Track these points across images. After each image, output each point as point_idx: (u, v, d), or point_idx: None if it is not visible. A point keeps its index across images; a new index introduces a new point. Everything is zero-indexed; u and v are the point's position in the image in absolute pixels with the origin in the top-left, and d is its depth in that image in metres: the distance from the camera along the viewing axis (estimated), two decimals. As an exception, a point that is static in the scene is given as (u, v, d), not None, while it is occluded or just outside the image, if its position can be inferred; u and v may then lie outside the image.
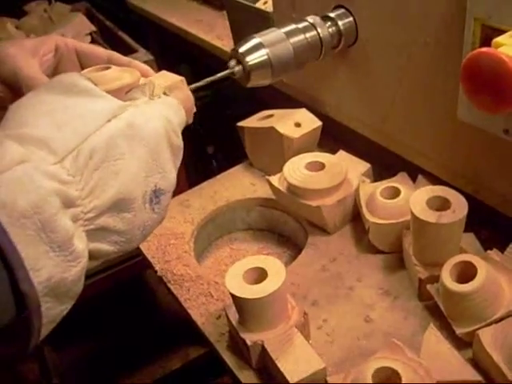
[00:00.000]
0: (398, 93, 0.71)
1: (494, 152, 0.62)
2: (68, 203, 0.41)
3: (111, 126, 0.45)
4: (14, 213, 0.37)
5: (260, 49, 0.66)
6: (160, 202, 0.48)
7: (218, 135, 1.60)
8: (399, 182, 0.74)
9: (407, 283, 0.69)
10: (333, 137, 0.89)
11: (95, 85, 0.48)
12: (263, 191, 0.86)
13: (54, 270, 0.39)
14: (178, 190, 0.92)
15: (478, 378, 0.53)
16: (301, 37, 0.69)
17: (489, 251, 0.63)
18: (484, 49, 0.47)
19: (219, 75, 0.66)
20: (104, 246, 0.45)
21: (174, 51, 1.40)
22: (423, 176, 0.74)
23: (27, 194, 0.38)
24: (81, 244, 0.42)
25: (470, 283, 0.57)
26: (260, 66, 0.66)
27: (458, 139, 0.65)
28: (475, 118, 0.59)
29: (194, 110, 0.56)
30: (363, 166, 0.80)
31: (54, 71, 0.58)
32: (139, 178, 0.46)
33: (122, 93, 0.51)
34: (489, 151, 0.63)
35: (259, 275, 0.60)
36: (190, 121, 0.55)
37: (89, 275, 1.32)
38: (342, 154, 0.82)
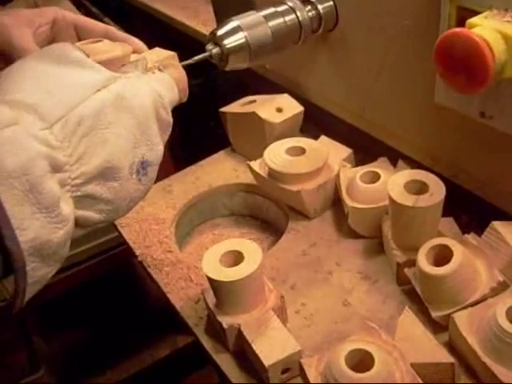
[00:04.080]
0: (377, 77, 0.71)
1: (471, 135, 0.62)
2: (56, 168, 0.41)
3: (100, 96, 0.45)
4: (2, 172, 0.38)
5: (238, 32, 0.66)
6: (147, 174, 0.49)
7: (206, 123, 1.59)
8: (379, 166, 0.74)
9: (386, 267, 0.69)
10: (316, 123, 0.89)
11: (87, 55, 0.48)
12: (246, 177, 0.85)
13: (40, 231, 0.40)
14: (164, 175, 0.92)
15: (450, 359, 0.53)
16: (280, 20, 0.68)
17: (466, 235, 0.63)
18: (457, 29, 0.47)
19: (196, 58, 0.65)
20: (91, 214, 0.46)
21: (164, 40, 1.39)
22: (403, 161, 0.73)
23: (16, 155, 0.38)
24: (67, 208, 0.42)
25: (446, 266, 0.57)
26: (238, 49, 0.66)
27: (436, 123, 0.65)
28: (452, 101, 0.59)
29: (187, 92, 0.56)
30: (345, 151, 0.80)
31: (51, 43, 0.58)
32: (127, 148, 0.46)
33: (113, 65, 0.51)
34: (466, 135, 0.62)
35: (236, 258, 0.60)
36: (184, 99, 0.56)
37: (76, 263, 1.31)
38: (323, 139, 0.82)
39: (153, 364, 1.59)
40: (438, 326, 0.60)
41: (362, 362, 0.53)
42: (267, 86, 0.96)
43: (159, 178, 0.92)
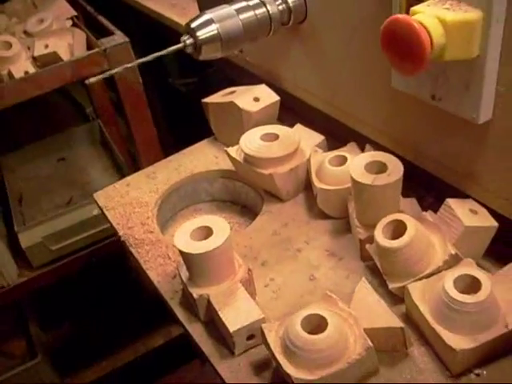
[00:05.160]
0: (344, 66, 0.75)
1: (427, 119, 0.66)
2: None
3: None
4: None
5: (210, 24, 0.71)
6: None
7: (200, 118, 1.63)
8: (348, 151, 0.78)
9: (352, 245, 0.72)
10: (293, 112, 0.93)
11: None
12: (225, 164, 0.89)
13: None
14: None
15: (400, 324, 0.57)
16: (250, 13, 0.73)
17: (424, 212, 0.67)
18: (398, 15, 0.51)
19: (172, 48, 0.70)
20: None
21: (155, 36, 1.43)
22: (371, 145, 0.77)
23: None
24: None
25: (399, 239, 0.61)
26: (210, 40, 0.70)
27: (395, 108, 0.69)
28: (406, 85, 0.63)
29: None
30: (317, 137, 0.84)
31: None
32: None
33: None
34: (422, 118, 0.66)
35: (206, 233, 0.64)
36: None
37: (72, 252, 1.34)
38: (298, 127, 0.86)
39: (147, 353, 1.64)
40: (397, 299, 0.64)
41: (318, 326, 0.57)
42: (257, 83, 1.00)
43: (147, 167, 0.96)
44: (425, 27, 0.50)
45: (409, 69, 0.52)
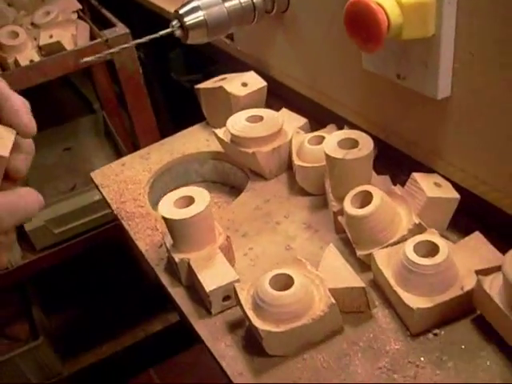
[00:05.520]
0: (323, 52, 0.80)
1: (394, 97, 0.70)
2: None
3: None
4: None
5: (197, 11, 0.76)
6: None
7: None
8: (327, 132, 0.82)
9: (328, 219, 0.77)
10: (281, 98, 0.98)
11: None
12: (216, 146, 0.94)
13: None
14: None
15: (362, 284, 0.62)
16: (235, 1, 0.78)
17: (392, 186, 0.72)
18: (359, -3, 0.56)
19: (161, 33, 0.75)
20: None
21: (157, 29, 1.49)
22: (348, 126, 0.82)
23: None
24: None
25: (366, 208, 0.66)
26: (197, 26, 0.76)
27: (368, 88, 0.74)
28: (374, 66, 0.67)
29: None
30: (301, 120, 0.89)
31: None
32: None
33: None
34: (390, 97, 0.71)
35: (188, 202, 0.69)
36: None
37: (74, 235, 1.40)
38: (283, 111, 0.91)
39: (146, 338, 1.69)
40: (366, 267, 0.68)
41: (285, 285, 0.61)
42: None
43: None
44: (382, 8, 0.54)
45: (369, 47, 0.57)
